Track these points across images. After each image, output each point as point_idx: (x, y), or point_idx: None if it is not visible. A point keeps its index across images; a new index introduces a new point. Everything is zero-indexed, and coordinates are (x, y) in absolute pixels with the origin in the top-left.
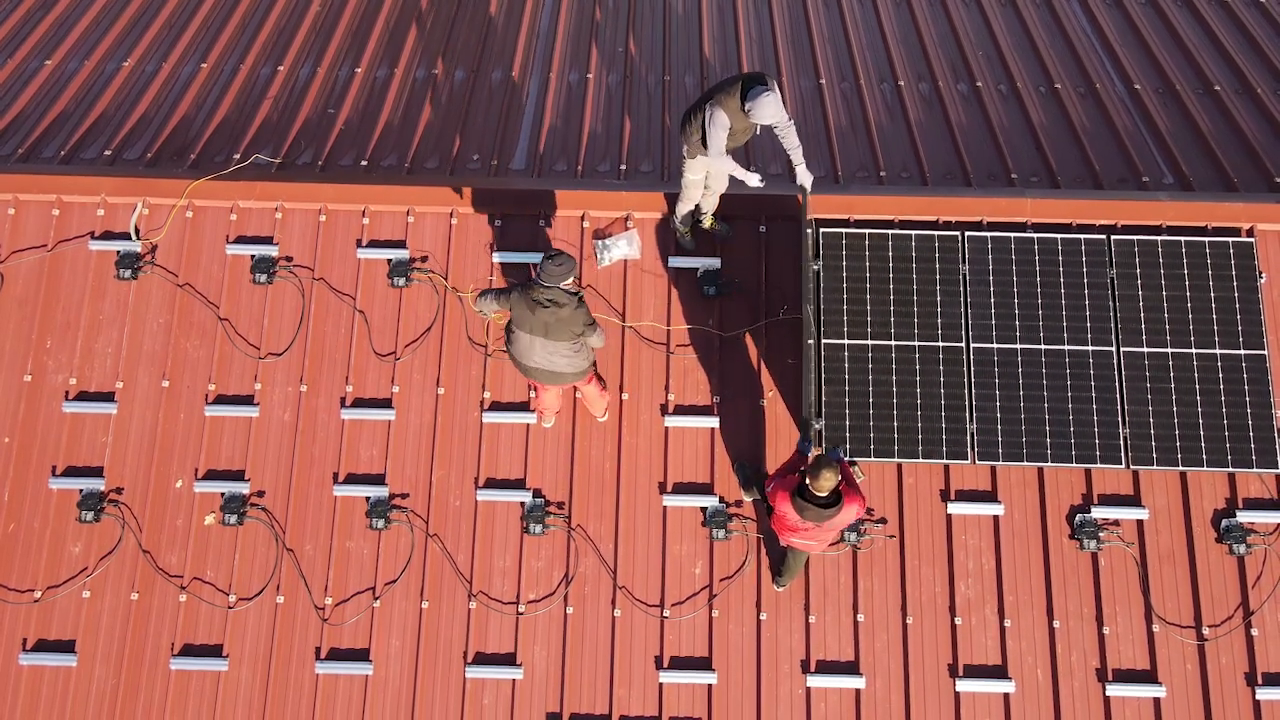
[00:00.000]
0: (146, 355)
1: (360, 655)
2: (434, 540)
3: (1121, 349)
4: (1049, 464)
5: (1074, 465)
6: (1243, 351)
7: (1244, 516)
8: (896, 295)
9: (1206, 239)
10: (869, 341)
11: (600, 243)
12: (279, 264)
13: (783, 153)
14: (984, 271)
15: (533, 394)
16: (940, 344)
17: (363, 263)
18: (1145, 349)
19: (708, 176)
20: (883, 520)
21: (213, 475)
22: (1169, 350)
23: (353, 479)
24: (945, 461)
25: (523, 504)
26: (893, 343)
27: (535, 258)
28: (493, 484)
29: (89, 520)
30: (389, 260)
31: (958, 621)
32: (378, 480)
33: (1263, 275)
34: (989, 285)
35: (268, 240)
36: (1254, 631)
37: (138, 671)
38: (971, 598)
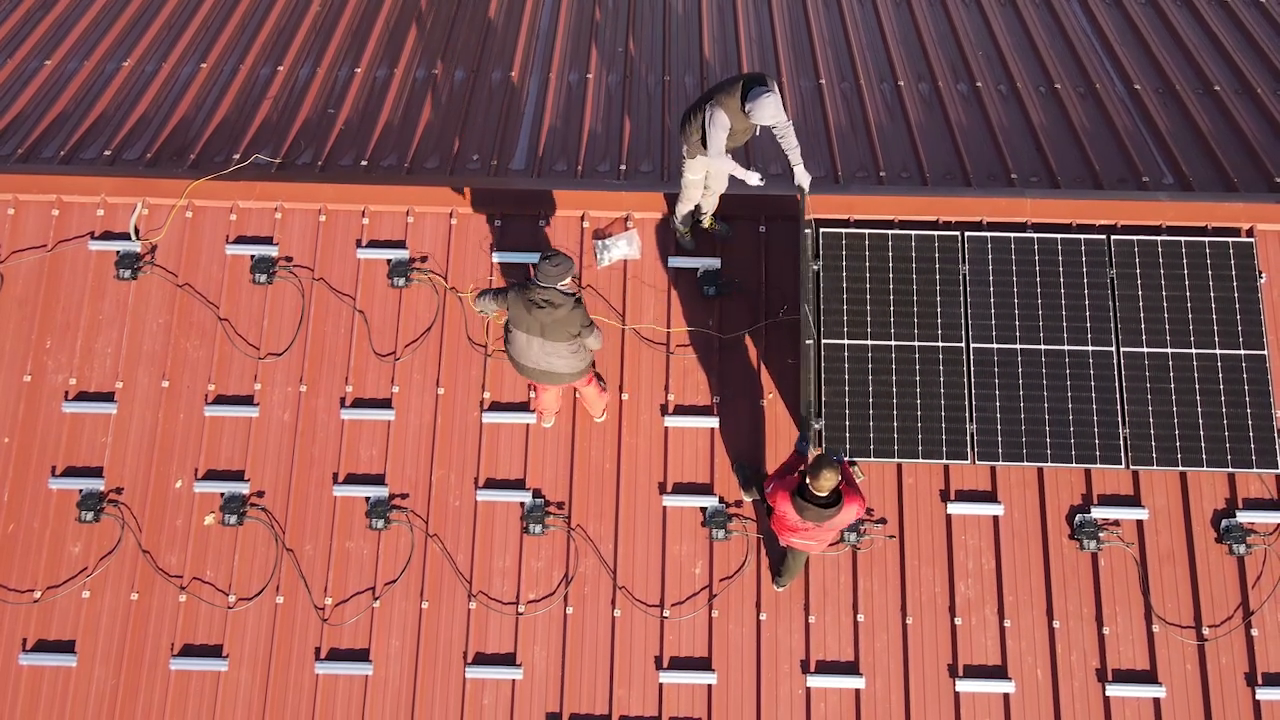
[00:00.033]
0: (146, 355)
1: (360, 655)
2: (434, 540)
3: (1121, 349)
4: (1049, 464)
5: (1074, 465)
6: (1243, 352)
7: (1244, 517)
8: (896, 295)
9: (1206, 239)
10: (869, 342)
11: (600, 243)
12: (279, 264)
13: (783, 152)
14: (984, 272)
15: (532, 394)
16: (940, 344)
17: (362, 263)
18: (1145, 349)
19: (707, 176)
20: (882, 520)
21: (212, 475)
22: (1169, 350)
23: (352, 479)
24: (945, 462)
25: (522, 504)
26: (892, 343)
27: (535, 258)
28: (492, 484)
29: (89, 520)
30: (389, 260)
31: (958, 622)
32: (377, 480)
33: (1263, 275)
34: (989, 285)
35: (267, 240)
36: (1254, 632)
37: (137, 672)
38: (971, 598)
